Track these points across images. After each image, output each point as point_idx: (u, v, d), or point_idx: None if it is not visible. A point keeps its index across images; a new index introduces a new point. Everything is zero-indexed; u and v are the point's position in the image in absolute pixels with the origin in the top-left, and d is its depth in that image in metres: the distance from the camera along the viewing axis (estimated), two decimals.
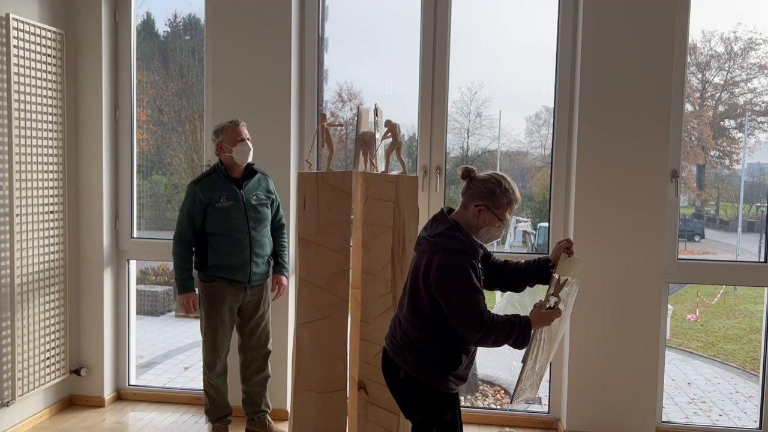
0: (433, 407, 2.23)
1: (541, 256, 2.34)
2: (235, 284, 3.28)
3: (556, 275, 2.15)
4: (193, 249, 3.30)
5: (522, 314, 2.14)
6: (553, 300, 2.13)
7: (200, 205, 3.22)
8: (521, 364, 2.21)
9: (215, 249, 3.25)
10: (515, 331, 2.09)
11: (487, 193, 2.14)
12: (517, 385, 2.20)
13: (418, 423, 2.28)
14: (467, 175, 2.19)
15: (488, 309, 2.10)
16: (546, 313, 2.12)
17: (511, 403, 2.27)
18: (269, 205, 3.38)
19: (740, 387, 6.72)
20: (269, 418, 3.54)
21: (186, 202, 3.26)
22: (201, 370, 3.44)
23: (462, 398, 5.99)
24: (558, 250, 2.23)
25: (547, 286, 2.22)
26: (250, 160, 3.29)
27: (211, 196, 3.22)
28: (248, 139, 3.27)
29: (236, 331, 3.45)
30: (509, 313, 2.15)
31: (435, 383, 2.19)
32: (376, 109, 3.09)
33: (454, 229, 2.14)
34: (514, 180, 2.23)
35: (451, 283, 2.07)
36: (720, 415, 5.78)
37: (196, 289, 3.34)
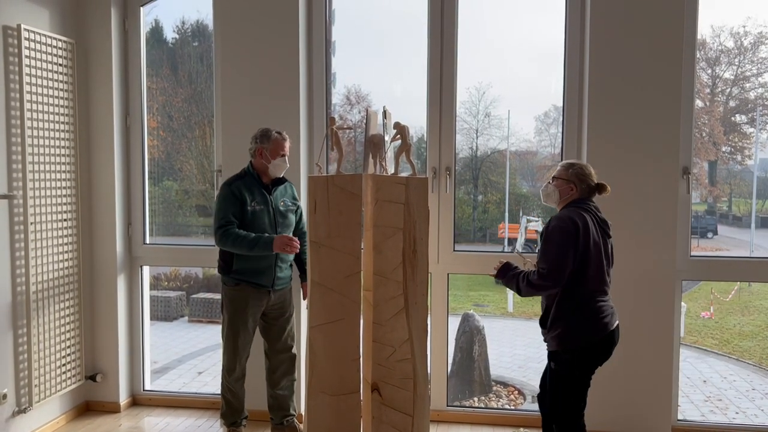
0: None
1: None
2: (259, 288, 3.31)
3: None
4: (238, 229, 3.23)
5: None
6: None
7: (237, 200, 3.23)
8: None
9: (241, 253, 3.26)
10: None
11: None
12: None
13: None
14: None
15: None
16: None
17: None
18: (294, 212, 3.42)
19: (756, 384, 6.65)
20: (296, 422, 3.54)
21: (219, 199, 3.26)
22: (214, 374, 3.46)
23: (475, 399, 5.99)
24: None
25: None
26: (282, 175, 3.35)
27: (245, 196, 3.25)
28: (287, 156, 3.31)
29: (262, 335, 3.47)
30: None
31: None
32: (384, 112, 3.09)
33: None
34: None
35: None
36: (736, 413, 5.72)
37: (226, 284, 3.34)
